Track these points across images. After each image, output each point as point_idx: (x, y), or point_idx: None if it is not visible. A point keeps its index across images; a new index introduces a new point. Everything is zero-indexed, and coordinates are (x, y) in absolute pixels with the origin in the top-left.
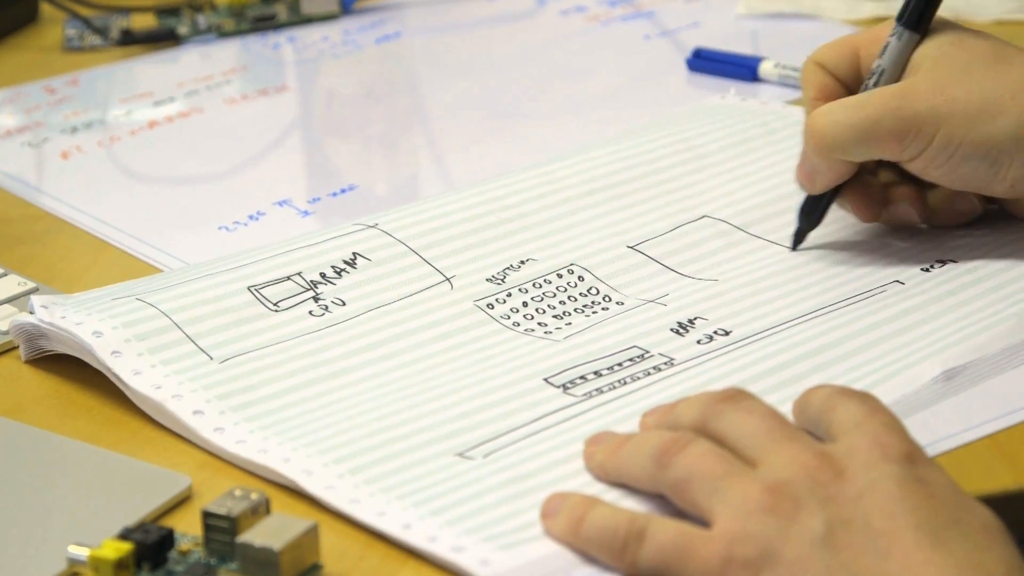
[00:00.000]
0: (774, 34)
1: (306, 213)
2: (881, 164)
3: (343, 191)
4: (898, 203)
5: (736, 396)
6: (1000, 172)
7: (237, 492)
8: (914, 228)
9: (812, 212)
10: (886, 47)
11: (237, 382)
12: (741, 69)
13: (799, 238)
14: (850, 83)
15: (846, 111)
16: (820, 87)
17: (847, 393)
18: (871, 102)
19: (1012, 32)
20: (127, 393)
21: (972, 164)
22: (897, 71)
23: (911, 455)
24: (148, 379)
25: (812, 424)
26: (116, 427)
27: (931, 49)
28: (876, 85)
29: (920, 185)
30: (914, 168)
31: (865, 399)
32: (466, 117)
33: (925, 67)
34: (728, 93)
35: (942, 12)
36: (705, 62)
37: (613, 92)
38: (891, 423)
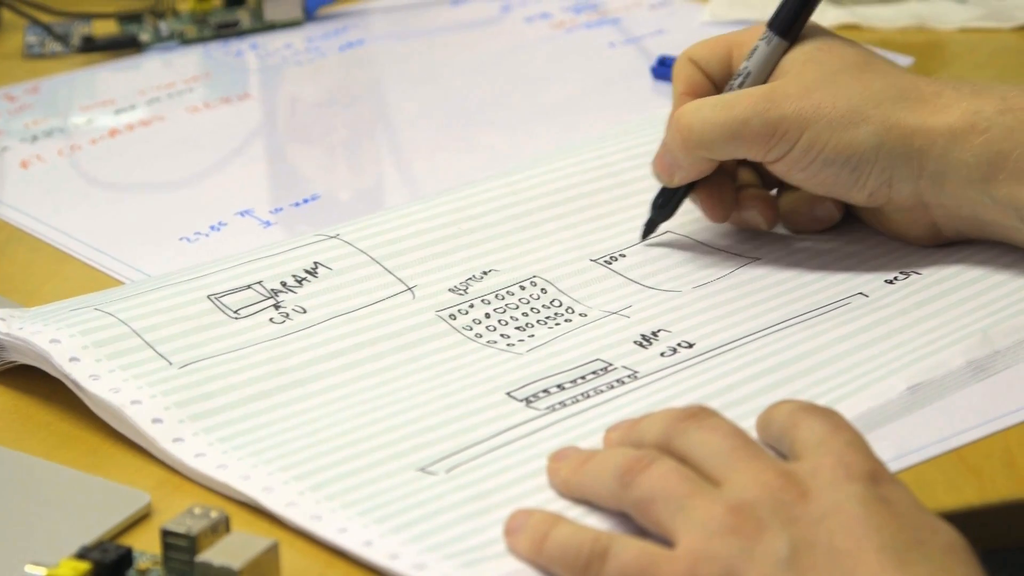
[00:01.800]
0: None
1: (268, 223)
2: (741, 164)
3: (306, 201)
4: (749, 206)
5: (700, 414)
6: (860, 180)
7: (196, 510)
8: (878, 238)
9: (665, 205)
10: (754, 50)
11: (196, 389)
12: None
13: (650, 229)
14: (721, 81)
15: (714, 109)
16: (690, 83)
17: (810, 409)
18: (740, 102)
19: (974, 39)
20: (85, 400)
21: (833, 170)
22: (763, 75)
23: (875, 474)
24: (106, 383)
25: (775, 441)
26: (74, 443)
27: (800, 54)
28: (741, 87)
29: (780, 190)
30: (777, 170)
31: (828, 416)
32: (430, 125)
33: (793, 72)
34: None
35: (910, 20)
36: (670, 69)
37: (578, 99)
38: (854, 441)
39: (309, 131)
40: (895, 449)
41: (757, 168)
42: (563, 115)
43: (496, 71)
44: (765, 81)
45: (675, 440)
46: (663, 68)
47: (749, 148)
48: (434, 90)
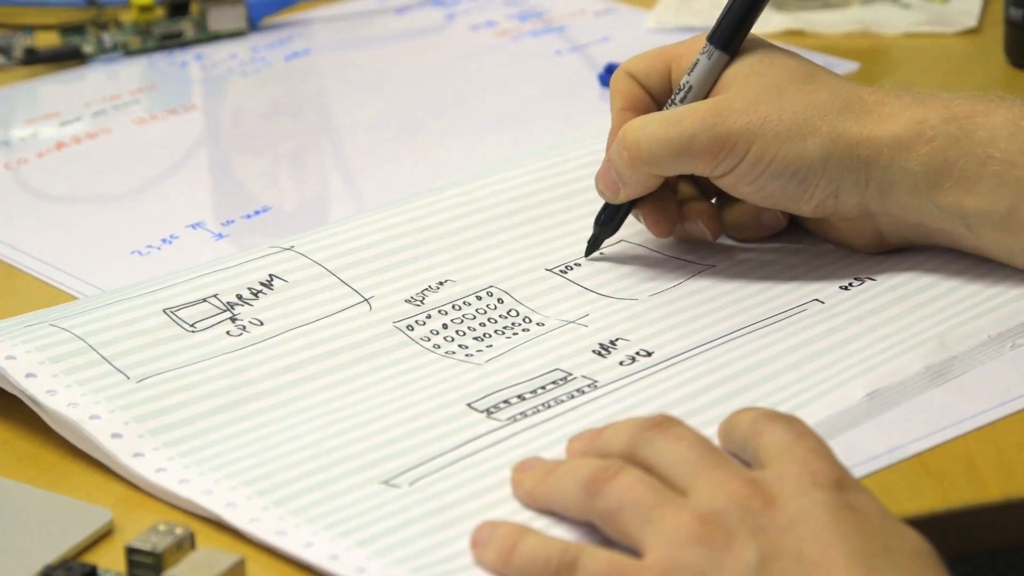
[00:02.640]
0: None
1: (220, 236)
2: (682, 177)
3: (256, 213)
4: (693, 219)
5: (664, 423)
6: (808, 191)
7: (161, 527)
8: (828, 244)
9: (609, 221)
10: (695, 64)
11: (155, 403)
12: None
13: (593, 246)
14: (660, 95)
15: (661, 125)
16: (629, 97)
17: (773, 417)
18: (687, 118)
19: (919, 44)
20: (42, 416)
21: (781, 182)
22: (705, 89)
23: (840, 481)
24: (63, 398)
25: (739, 448)
26: (32, 460)
27: (742, 68)
28: (683, 101)
29: (720, 200)
30: (724, 184)
31: (792, 423)
32: (378, 134)
33: (737, 85)
34: None
35: (854, 26)
36: None
37: (525, 108)
38: (818, 448)
39: (257, 142)
40: (856, 456)
41: (696, 180)
42: (511, 124)
43: (443, 80)
44: (707, 95)
45: (640, 449)
46: (610, 76)
47: (697, 163)
48: (381, 99)
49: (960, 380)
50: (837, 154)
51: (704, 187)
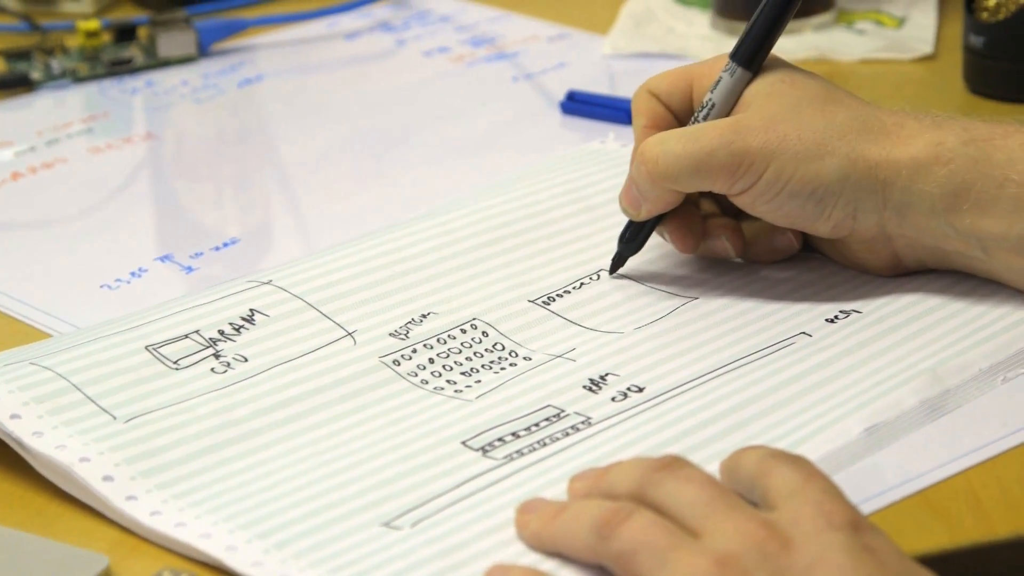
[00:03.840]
0: (642, 73)
1: (190, 269)
2: (703, 195)
3: (225, 245)
4: (717, 236)
5: (673, 464)
6: (825, 211)
7: (166, 574)
8: (812, 273)
9: (633, 239)
10: (718, 82)
11: (145, 444)
12: (617, 112)
13: (618, 264)
14: (682, 114)
15: (680, 142)
16: (651, 115)
17: (780, 457)
18: (705, 134)
19: (877, 71)
20: (30, 460)
21: (799, 202)
22: (727, 106)
23: (855, 522)
24: (50, 440)
25: (745, 489)
26: (19, 504)
27: (763, 86)
28: (706, 118)
29: (739, 218)
30: (741, 202)
31: (800, 464)
32: (341, 163)
33: (756, 104)
34: (607, 138)
35: (810, 52)
36: (579, 105)
37: (486, 137)
38: (829, 488)
39: (218, 172)
40: (859, 493)
41: (716, 198)
42: (472, 154)
43: (401, 107)
44: (729, 112)
45: (650, 491)
46: (572, 103)
47: (714, 180)
48: (341, 126)
49: (955, 414)
50: (855, 175)
51: (724, 205)
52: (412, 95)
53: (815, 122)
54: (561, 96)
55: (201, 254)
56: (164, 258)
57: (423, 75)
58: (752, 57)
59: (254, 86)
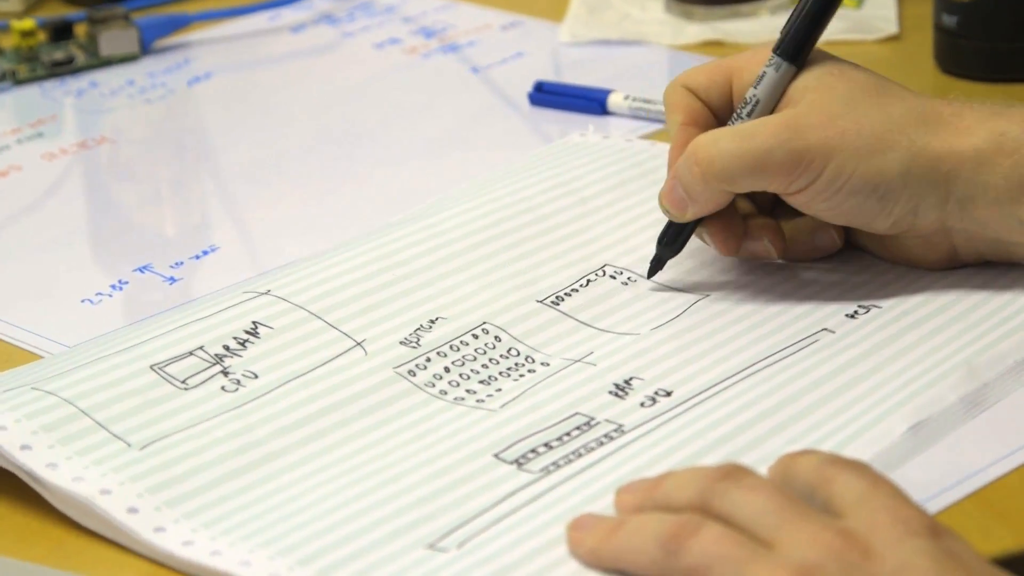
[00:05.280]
0: (603, 61)
1: (172, 279)
2: (741, 193)
3: (205, 253)
4: (758, 238)
5: (735, 472)
6: (886, 208)
7: None
8: (822, 266)
9: (673, 241)
10: (762, 77)
11: (165, 471)
12: (588, 102)
13: (657, 267)
14: (720, 110)
15: (734, 140)
16: (689, 112)
17: (840, 463)
18: (760, 132)
19: (843, 53)
20: (45, 495)
21: (859, 199)
22: (773, 102)
23: (933, 527)
24: (66, 472)
25: (804, 496)
26: (36, 538)
27: (810, 80)
28: (751, 116)
29: (776, 216)
30: (797, 201)
31: (861, 469)
32: (307, 164)
33: (807, 99)
34: (587, 130)
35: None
36: (548, 96)
37: (452, 133)
38: (898, 494)
39: (184, 175)
40: (914, 496)
41: (753, 196)
42: (440, 151)
43: (360, 102)
44: (774, 109)
45: (714, 501)
46: (541, 95)
47: (772, 180)
48: (301, 123)
49: (1000, 407)
50: (917, 169)
51: (761, 203)
52: (368, 90)
53: (873, 115)
54: (525, 87)
55: (181, 263)
56: (143, 268)
57: (377, 68)
58: (798, 50)
59: (204, 84)
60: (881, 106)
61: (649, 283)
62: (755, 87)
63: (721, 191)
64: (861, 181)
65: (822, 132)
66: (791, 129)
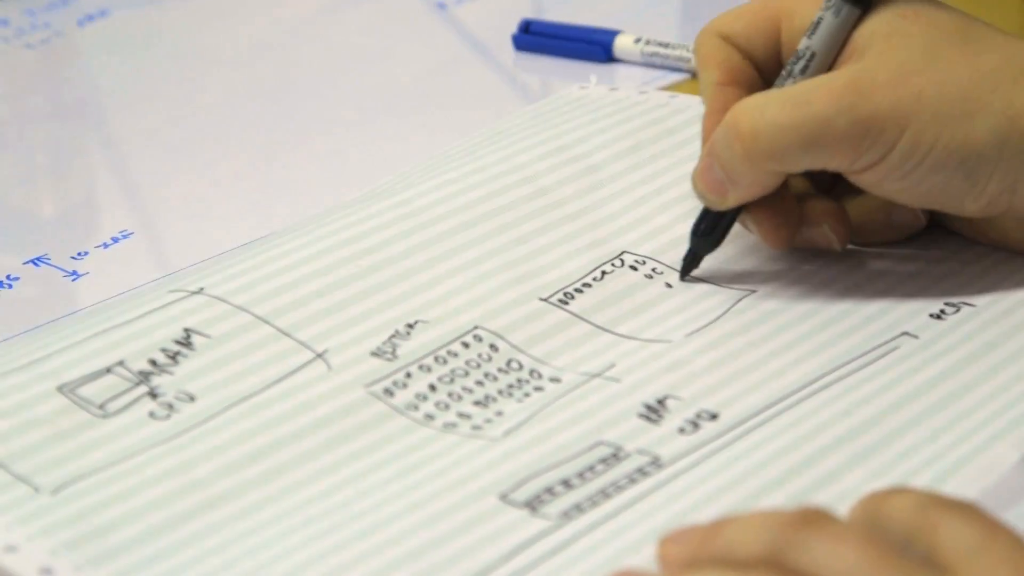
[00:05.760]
0: None
1: (75, 273)
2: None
3: (115, 240)
4: (817, 223)
5: (816, 519)
6: (977, 186)
7: None
8: (900, 251)
9: (711, 232)
10: (817, 23)
11: (85, 522)
12: (589, 47)
13: (692, 264)
14: (766, 65)
15: (784, 108)
16: (727, 68)
17: (943, 504)
18: (816, 97)
19: None
20: None
21: (943, 176)
22: (832, 55)
23: None
24: None
25: (900, 547)
26: None
27: (879, 25)
28: (804, 73)
29: (837, 195)
30: (866, 180)
31: (971, 512)
32: (239, 127)
33: (875, 50)
34: (589, 81)
35: None
36: (538, 38)
37: (418, 85)
38: (1019, 544)
39: (82, 143)
40: None
41: (810, 172)
42: (406, 108)
43: (299, 48)
44: (834, 64)
45: (791, 555)
46: (528, 36)
47: (833, 156)
48: (225, 79)
49: None
50: (1015, 136)
51: (818, 180)
52: (308, 31)
53: (957, 70)
54: (507, 27)
55: (85, 253)
56: (37, 261)
57: (316, 5)
58: None
59: (98, 24)
60: (967, 57)
61: (676, 273)
62: (809, 36)
63: (769, 171)
64: (944, 153)
65: (893, 93)
66: (855, 91)
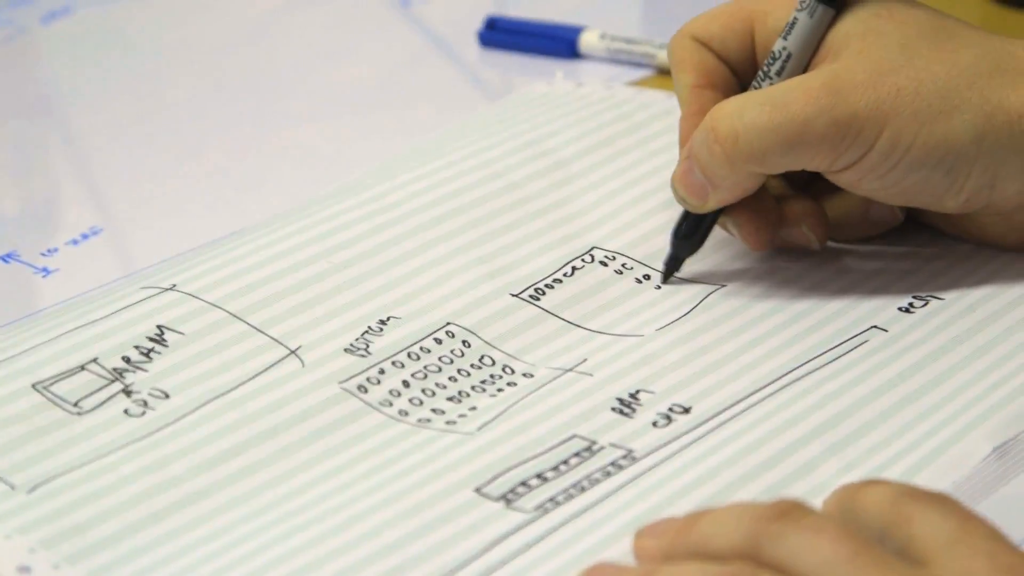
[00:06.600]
0: None
1: (46, 270)
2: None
3: (85, 236)
4: (796, 223)
5: (791, 510)
6: (956, 183)
7: None
8: (855, 255)
9: (691, 235)
10: (792, 24)
11: (62, 520)
12: (555, 43)
13: (673, 267)
14: (741, 66)
15: (763, 110)
16: (702, 71)
17: (918, 496)
18: (794, 98)
19: None
20: None
21: (922, 173)
22: (807, 57)
23: None
24: None
25: (875, 539)
26: None
27: (854, 25)
28: (781, 74)
29: (815, 194)
30: (845, 179)
31: (946, 504)
32: (204, 124)
33: (851, 49)
34: (555, 77)
35: None
36: (503, 35)
37: (383, 83)
38: (995, 535)
39: (48, 139)
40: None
41: (787, 173)
42: (371, 106)
43: (261, 45)
44: (810, 65)
45: (767, 547)
46: (493, 34)
47: (812, 156)
48: (189, 75)
49: None
50: (993, 132)
51: (794, 180)
52: (272, 30)
53: (934, 67)
54: (470, 24)
55: (55, 250)
56: (7, 257)
57: (280, 2)
58: None
59: (62, 22)
60: (944, 54)
61: (646, 269)
62: (784, 37)
63: (750, 173)
64: (923, 151)
65: (871, 93)
66: (833, 91)
